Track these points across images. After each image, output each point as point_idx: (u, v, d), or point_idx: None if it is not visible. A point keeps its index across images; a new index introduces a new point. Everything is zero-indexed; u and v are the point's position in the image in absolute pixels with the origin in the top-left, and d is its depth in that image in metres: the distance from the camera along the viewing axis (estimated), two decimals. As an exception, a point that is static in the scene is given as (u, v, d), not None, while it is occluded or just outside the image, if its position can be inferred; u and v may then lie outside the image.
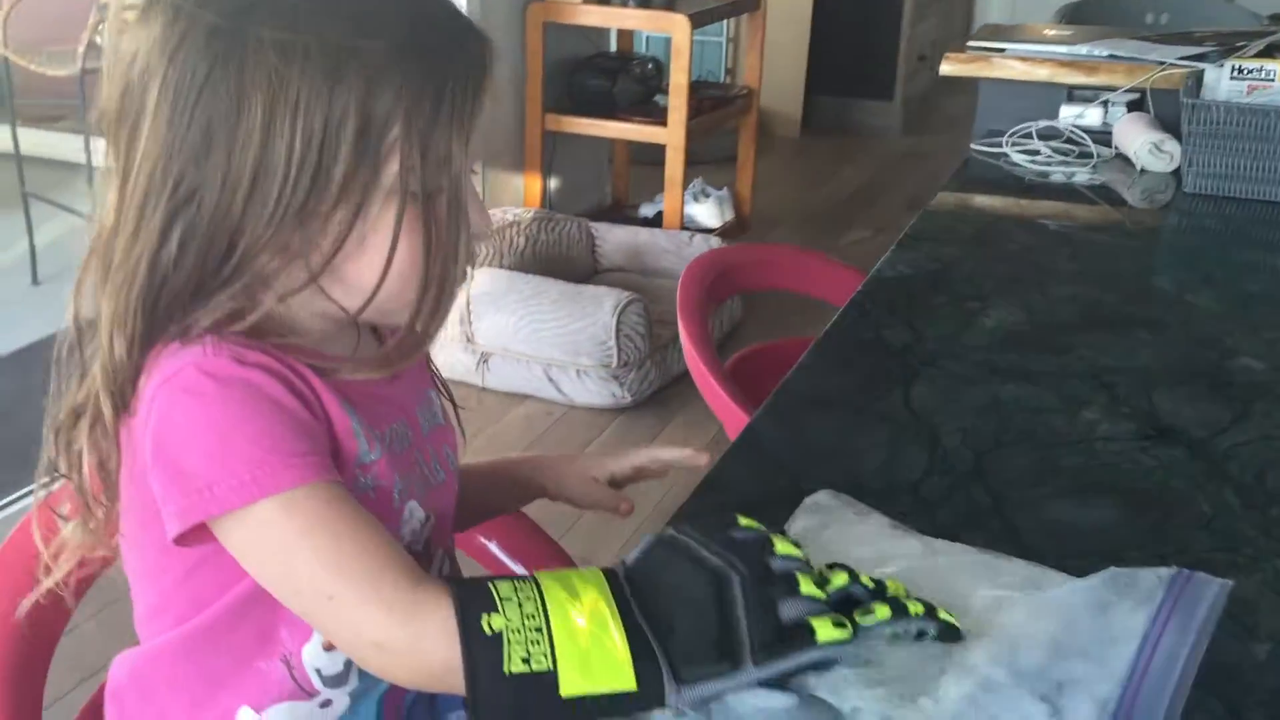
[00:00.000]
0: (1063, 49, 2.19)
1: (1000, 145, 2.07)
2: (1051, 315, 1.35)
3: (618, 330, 3.07)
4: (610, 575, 0.69)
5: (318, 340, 0.76)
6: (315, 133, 0.69)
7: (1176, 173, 1.92)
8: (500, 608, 0.65)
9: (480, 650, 0.64)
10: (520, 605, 0.65)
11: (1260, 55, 2.05)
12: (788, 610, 0.65)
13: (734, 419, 1.59)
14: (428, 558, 0.86)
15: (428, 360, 0.91)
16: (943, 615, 0.69)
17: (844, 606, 0.67)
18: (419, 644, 0.66)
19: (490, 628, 0.64)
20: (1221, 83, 1.95)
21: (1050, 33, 2.39)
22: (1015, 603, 0.72)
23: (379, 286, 0.73)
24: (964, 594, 0.74)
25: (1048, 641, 0.68)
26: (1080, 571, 0.81)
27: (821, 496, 0.87)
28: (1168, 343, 1.29)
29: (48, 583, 0.80)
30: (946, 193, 1.87)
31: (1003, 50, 2.21)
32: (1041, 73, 2.18)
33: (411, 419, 0.85)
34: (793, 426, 1.08)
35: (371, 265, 0.73)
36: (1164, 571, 0.74)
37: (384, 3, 0.72)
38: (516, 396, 3.19)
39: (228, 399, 0.70)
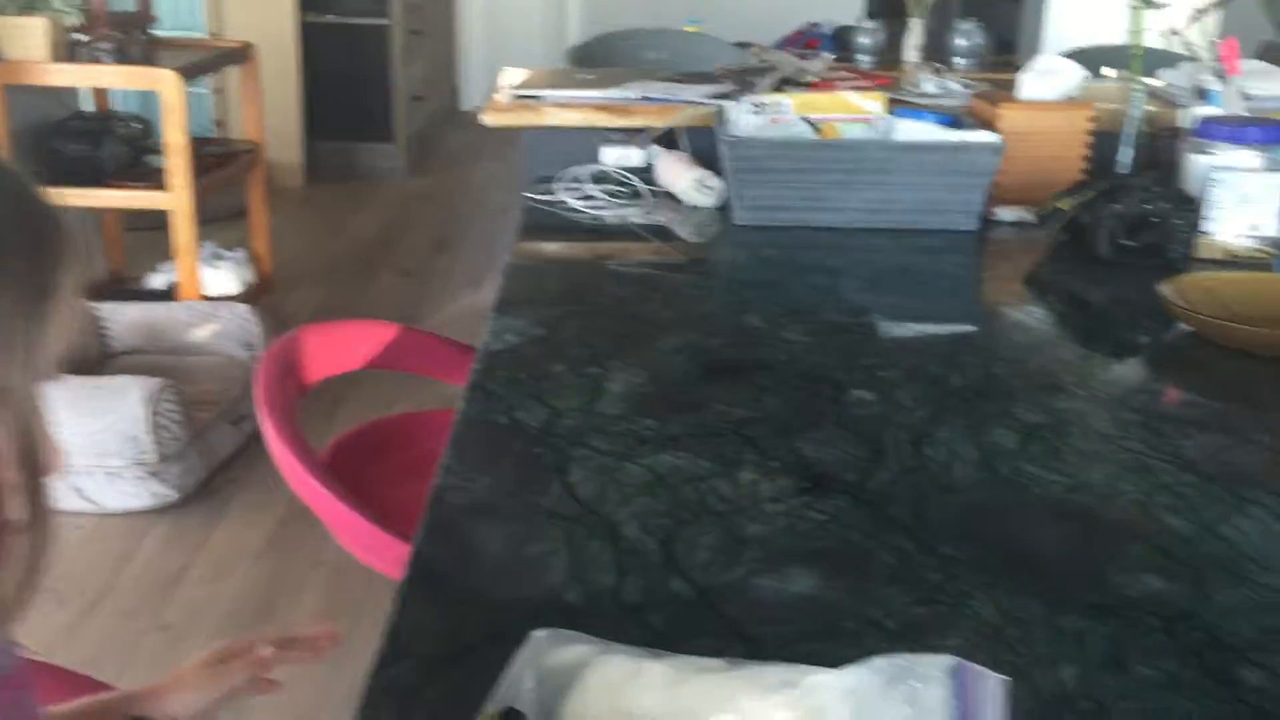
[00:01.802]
0: (596, 93, 2.22)
1: (553, 192, 2.06)
2: (671, 371, 1.34)
3: (151, 421, 2.74)
4: None
5: None
6: None
7: (723, 206, 2.01)
8: None
9: None
10: None
11: (774, 90, 2.20)
12: None
13: (339, 517, 1.45)
14: None
15: None
16: None
17: None
18: None
19: None
20: (744, 118, 2.06)
21: (580, 77, 2.42)
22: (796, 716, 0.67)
23: None
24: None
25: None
26: (815, 655, 0.77)
27: (542, 642, 0.77)
28: (783, 385, 1.31)
29: None
30: (521, 245, 1.82)
31: (540, 98, 2.20)
32: (579, 118, 2.20)
33: None
34: (461, 545, 0.97)
35: None
36: (940, 662, 0.72)
37: None
38: (36, 516, 2.75)
39: None
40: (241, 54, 3.77)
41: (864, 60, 4.59)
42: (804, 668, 0.73)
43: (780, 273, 1.74)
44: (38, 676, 0.90)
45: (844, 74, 2.49)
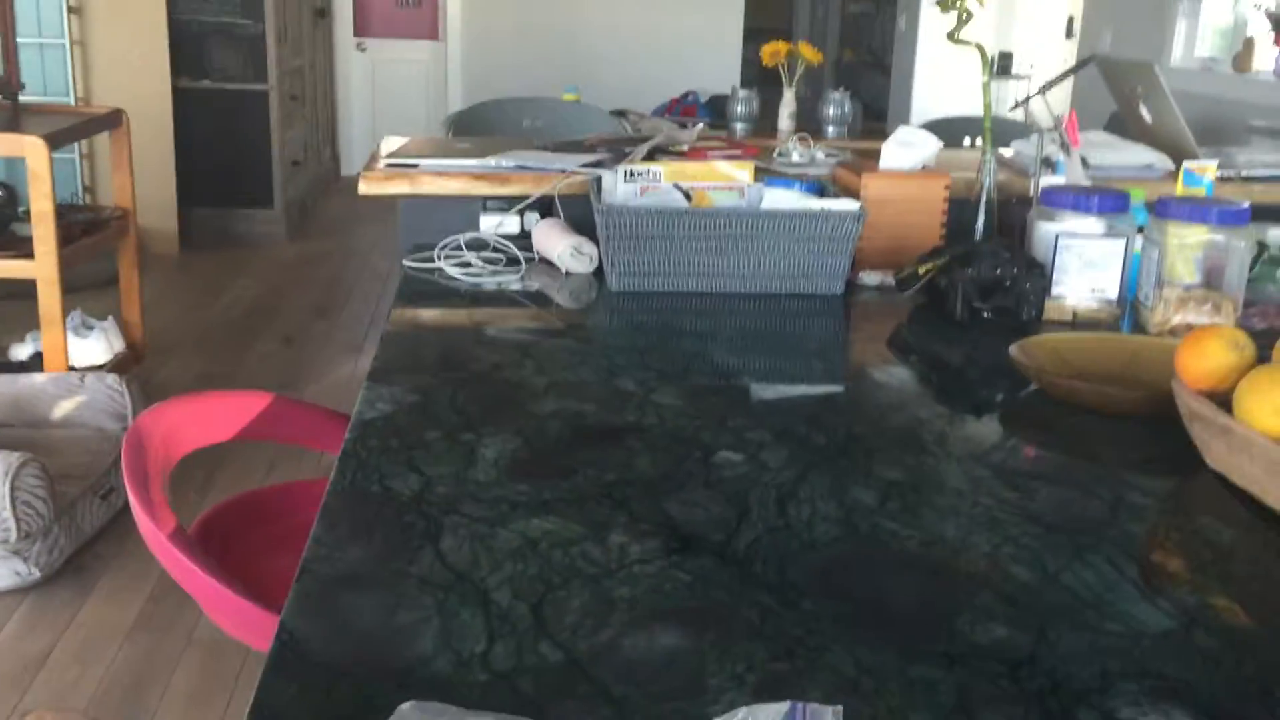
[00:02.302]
0: (473, 162, 2.25)
1: (432, 259, 2.08)
2: (544, 436, 1.36)
3: (13, 498, 2.65)
4: None
5: None
6: None
7: (599, 272, 2.05)
8: None
9: None
10: None
11: (646, 159, 2.26)
12: None
13: (207, 592, 1.43)
14: None
15: None
16: None
17: None
18: None
19: None
20: (618, 186, 2.12)
21: (457, 145, 2.45)
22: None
23: None
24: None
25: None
26: (679, 712, 0.80)
27: (408, 714, 0.78)
28: (655, 447, 1.34)
29: None
30: (397, 311, 1.83)
31: (416, 166, 2.23)
32: (455, 186, 2.23)
33: None
34: (329, 617, 0.97)
35: None
36: (779, 708, 0.75)
37: None
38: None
39: None
40: (112, 120, 3.71)
41: (739, 127, 4.73)
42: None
43: (652, 338, 1.78)
44: None
45: (715, 143, 2.56)
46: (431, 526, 1.12)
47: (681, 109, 6.01)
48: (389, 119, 7.50)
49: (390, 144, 2.46)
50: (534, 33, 7.39)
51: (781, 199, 2.08)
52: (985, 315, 1.84)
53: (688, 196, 2.14)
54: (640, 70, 7.13)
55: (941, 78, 6.76)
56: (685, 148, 2.46)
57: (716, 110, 5.70)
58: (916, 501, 1.22)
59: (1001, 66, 6.46)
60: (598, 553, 1.09)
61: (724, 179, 2.19)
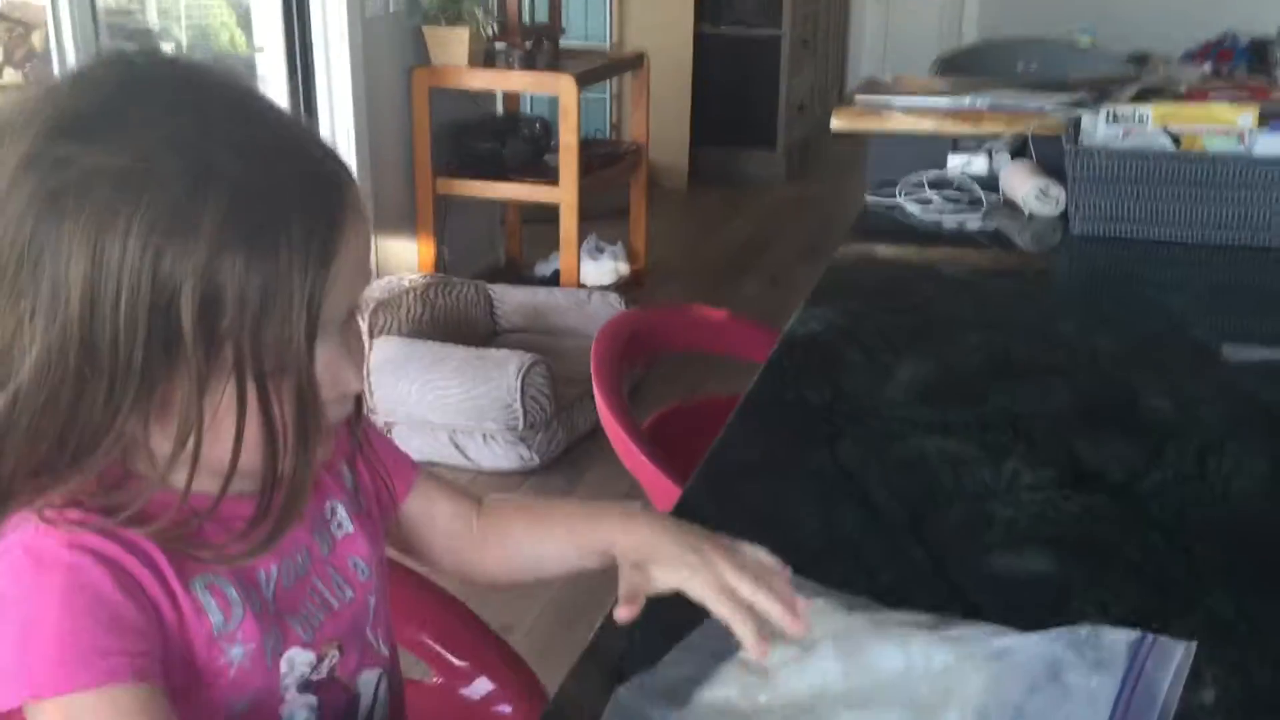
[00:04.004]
0: (946, 101, 2.26)
1: (894, 195, 2.12)
2: (962, 365, 1.38)
3: (522, 392, 3.04)
4: None
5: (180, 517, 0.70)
6: (140, 324, 0.64)
7: (1064, 216, 1.99)
8: None
9: None
10: None
11: (1134, 99, 2.15)
12: None
13: (655, 482, 1.59)
14: (344, 691, 0.81)
15: (356, 440, 0.85)
16: None
17: None
18: None
19: None
20: (1099, 128, 2.03)
21: (932, 84, 2.46)
22: (975, 669, 0.72)
23: (231, 468, 0.69)
24: (922, 661, 0.74)
25: (1012, 711, 0.68)
26: (1030, 626, 0.82)
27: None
28: (1077, 387, 1.32)
29: None
30: (847, 245, 1.90)
31: (889, 104, 2.27)
32: (927, 124, 2.25)
33: (308, 546, 0.80)
34: (725, 494, 1.08)
35: (224, 447, 0.68)
36: (1127, 634, 0.75)
37: (215, 172, 0.65)
38: (422, 465, 3.14)
39: (40, 586, 0.66)
40: (635, 62, 4.06)
41: (1281, 74, 4.23)
42: (995, 627, 0.78)
43: (1108, 284, 1.72)
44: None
45: (1219, 84, 2.36)
46: (832, 432, 1.19)
47: (1217, 53, 5.47)
48: (899, 61, 7.48)
49: (869, 84, 2.51)
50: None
51: (1283, 145, 1.90)
52: None
53: (1176, 141, 2.01)
54: (1167, 5, 6.53)
55: None
56: (1183, 88, 2.30)
57: (1257, 54, 5.13)
58: (1365, 470, 1.11)
59: None
60: (988, 475, 1.11)
61: (1223, 122, 2.02)
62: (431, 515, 0.93)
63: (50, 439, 0.66)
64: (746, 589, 0.76)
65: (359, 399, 0.81)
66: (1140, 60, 4.41)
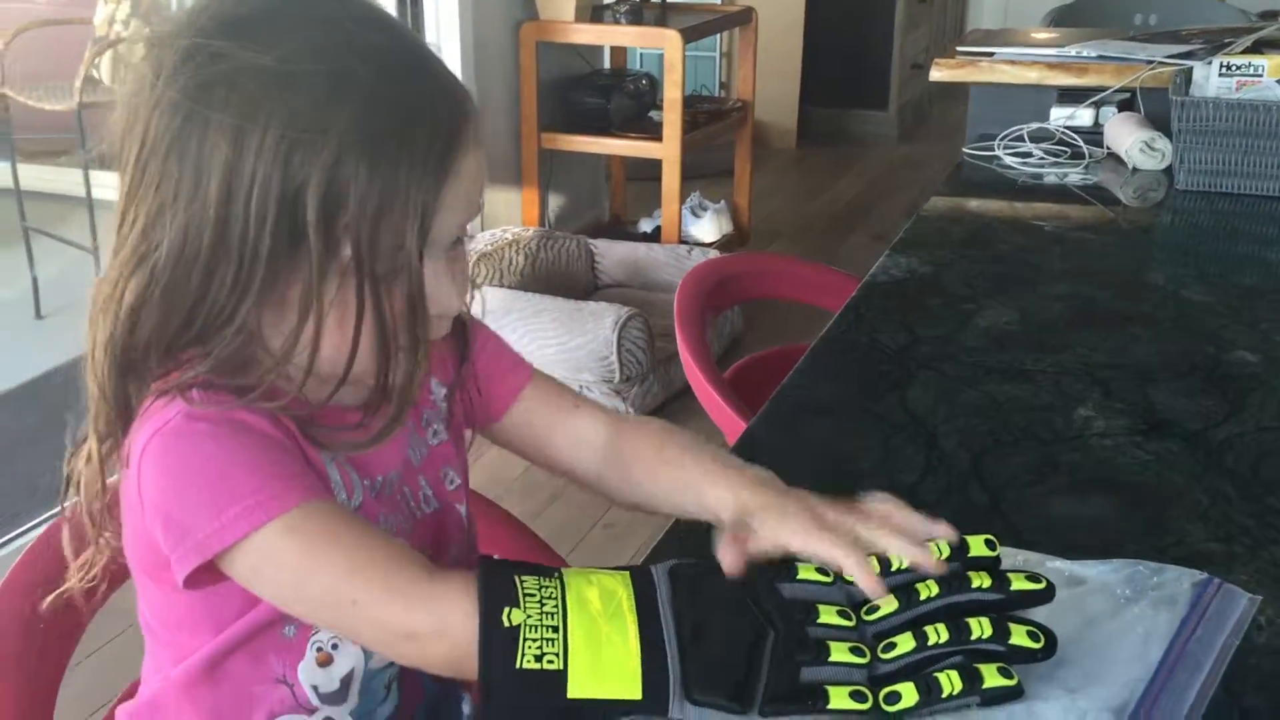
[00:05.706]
0: (1051, 51, 2.20)
1: (992, 149, 2.08)
2: (1045, 314, 1.36)
3: (619, 345, 3.07)
4: (642, 577, 0.68)
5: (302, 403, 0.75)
6: (269, 213, 0.69)
7: (1169, 170, 1.93)
8: (521, 602, 0.66)
9: (498, 642, 0.64)
10: (541, 603, 0.66)
11: (1248, 51, 2.06)
12: (810, 674, 0.65)
13: (734, 429, 1.60)
14: None
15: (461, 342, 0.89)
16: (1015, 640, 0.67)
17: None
18: (445, 631, 0.67)
19: (509, 620, 0.65)
20: (1210, 80, 1.96)
21: (1038, 36, 2.40)
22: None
23: (349, 365, 0.73)
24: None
25: (1070, 639, 0.68)
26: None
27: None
28: (1161, 338, 1.29)
29: (69, 585, 0.82)
30: (939, 197, 1.88)
31: (991, 54, 2.22)
32: (1031, 75, 2.19)
33: (403, 454, 0.84)
34: (789, 432, 1.09)
35: (336, 345, 0.72)
36: (1192, 575, 0.74)
37: (352, 80, 0.70)
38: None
39: (219, 435, 0.71)
40: (743, 18, 4.03)
41: None
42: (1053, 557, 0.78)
43: (1207, 238, 1.67)
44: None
45: (1347, 36, 2.25)
46: (904, 376, 1.19)
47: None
48: (1020, 17, 7.26)
49: (975, 36, 2.46)
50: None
51: None
52: None
53: (1293, 93, 1.93)
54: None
55: None
56: (1306, 40, 2.20)
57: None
58: None
59: None
60: (1059, 422, 1.10)
61: (1345, 74, 1.94)
62: (549, 422, 0.93)
63: (180, 316, 0.71)
64: (865, 534, 0.74)
65: (461, 321, 0.85)
66: (1271, 16, 4.22)
